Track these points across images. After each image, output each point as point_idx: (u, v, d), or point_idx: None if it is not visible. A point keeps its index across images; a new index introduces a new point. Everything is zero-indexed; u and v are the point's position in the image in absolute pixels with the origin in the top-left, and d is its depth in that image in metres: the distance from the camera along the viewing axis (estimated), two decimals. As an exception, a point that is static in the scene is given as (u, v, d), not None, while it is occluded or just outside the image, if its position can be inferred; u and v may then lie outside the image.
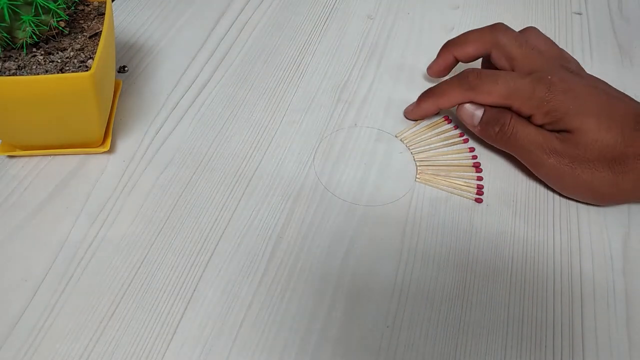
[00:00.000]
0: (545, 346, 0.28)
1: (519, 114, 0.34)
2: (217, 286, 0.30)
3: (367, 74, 0.43)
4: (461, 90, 0.35)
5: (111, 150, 0.36)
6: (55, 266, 0.30)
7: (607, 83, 0.35)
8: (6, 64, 0.30)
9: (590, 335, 0.29)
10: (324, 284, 0.30)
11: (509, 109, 0.34)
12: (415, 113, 0.38)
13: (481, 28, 0.38)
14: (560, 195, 0.35)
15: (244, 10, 0.48)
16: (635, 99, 0.34)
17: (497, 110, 0.34)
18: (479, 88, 0.34)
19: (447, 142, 0.38)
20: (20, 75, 0.30)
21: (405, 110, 0.39)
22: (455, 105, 0.37)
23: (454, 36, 0.39)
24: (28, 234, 0.31)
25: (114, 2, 0.48)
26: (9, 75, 0.29)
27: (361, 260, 0.31)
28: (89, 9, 0.34)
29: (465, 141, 0.37)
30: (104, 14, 0.34)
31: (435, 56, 0.40)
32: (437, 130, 0.38)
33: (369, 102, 0.40)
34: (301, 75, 0.42)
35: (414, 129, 0.38)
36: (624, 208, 0.34)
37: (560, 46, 0.46)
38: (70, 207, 0.33)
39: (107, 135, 0.36)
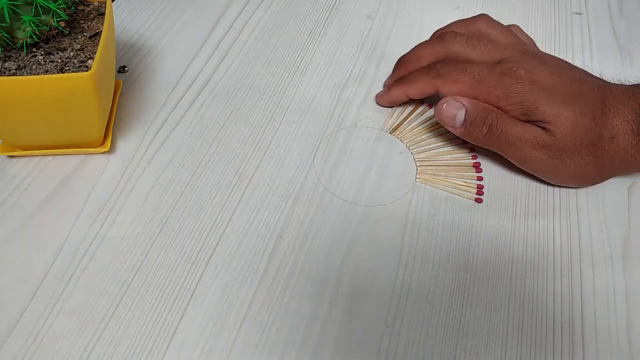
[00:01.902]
0: (545, 346, 0.28)
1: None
2: (217, 286, 0.30)
3: (367, 74, 0.43)
4: (429, 78, 0.36)
5: (111, 150, 0.36)
6: (55, 266, 0.30)
7: (567, 62, 0.36)
8: (6, 64, 0.30)
9: (590, 335, 0.29)
10: (324, 283, 0.30)
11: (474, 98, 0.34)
12: (384, 99, 0.39)
13: (430, 40, 0.39)
14: (560, 195, 0.35)
15: (244, 10, 0.48)
16: (597, 76, 0.35)
17: (481, 109, 0.33)
18: (445, 76, 0.35)
19: (447, 142, 0.38)
20: (20, 75, 0.30)
21: (376, 94, 0.40)
22: (424, 94, 0.37)
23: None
24: (28, 234, 0.31)
25: (114, 2, 0.48)
26: (9, 75, 0.29)
27: (361, 260, 0.31)
28: (89, 9, 0.34)
29: (466, 141, 0.37)
30: (104, 14, 0.34)
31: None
32: (437, 131, 0.38)
33: (369, 102, 0.40)
34: (301, 75, 0.42)
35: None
36: (624, 208, 0.34)
37: (560, 46, 0.47)
38: (70, 207, 0.33)
39: (107, 135, 0.36)
